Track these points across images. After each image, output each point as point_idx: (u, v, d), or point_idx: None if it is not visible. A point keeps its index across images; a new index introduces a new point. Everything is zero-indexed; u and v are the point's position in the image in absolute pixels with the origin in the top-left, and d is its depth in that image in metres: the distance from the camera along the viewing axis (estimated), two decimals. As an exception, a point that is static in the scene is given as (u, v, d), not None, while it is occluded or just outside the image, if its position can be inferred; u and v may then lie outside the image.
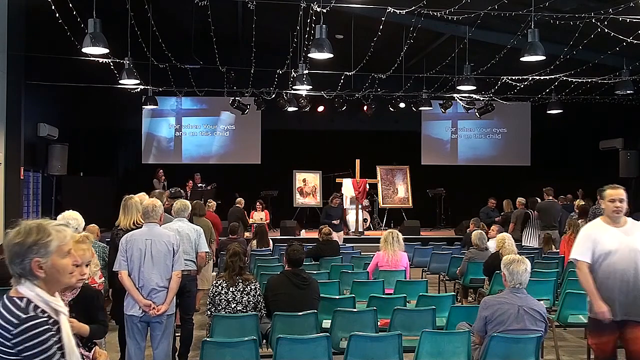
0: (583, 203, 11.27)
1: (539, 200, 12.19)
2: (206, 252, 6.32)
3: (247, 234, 11.91)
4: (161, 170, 15.15)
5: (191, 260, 5.97)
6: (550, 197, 11.43)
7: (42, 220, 2.17)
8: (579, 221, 10.28)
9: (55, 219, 2.18)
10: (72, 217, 4.75)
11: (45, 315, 2.08)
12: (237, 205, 12.65)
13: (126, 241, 4.82)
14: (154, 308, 4.71)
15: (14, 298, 2.07)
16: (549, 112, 14.64)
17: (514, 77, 12.39)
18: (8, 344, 2.00)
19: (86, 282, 4.64)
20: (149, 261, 4.74)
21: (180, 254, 4.92)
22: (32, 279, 2.10)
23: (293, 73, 11.97)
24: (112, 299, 5.30)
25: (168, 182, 14.72)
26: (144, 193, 6.18)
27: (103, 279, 4.84)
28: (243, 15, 12.26)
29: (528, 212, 11.75)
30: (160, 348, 4.82)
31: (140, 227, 5.39)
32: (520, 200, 12.38)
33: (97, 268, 4.79)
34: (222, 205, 13.10)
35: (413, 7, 8.66)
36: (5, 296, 2.09)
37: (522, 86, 12.70)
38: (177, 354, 5.68)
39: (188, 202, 6.42)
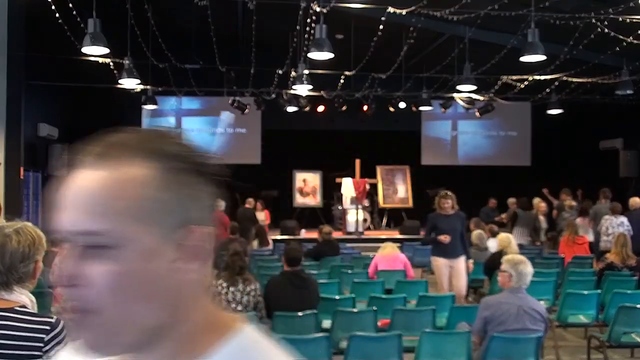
0: (573, 203, 11.32)
1: (539, 200, 12.23)
2: None
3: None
4: None
5: None
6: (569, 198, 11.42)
7: (25, 222, 2.16)
8: (578, 220, 10.33)
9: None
10: None
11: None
12: (247, 205, 12.58)
13: None
14: None
15: (15, 308, 2.04)
16: (549, 112, 14.64)
17: (514, 77, 12.40)
18: (37, 352, 2.01)
19: None
20: None
21: None
22: (28, 283, 2.10)
23: (293, 73, 11.97)
24: None
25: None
26: None
27: None
28: (243, 15, 12.25)
29: (517, 211, 11.89)
30: None
31: None
32: (511, 200, 12.53)
33: None
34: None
35: (413, 7, 8.65)
36: (5, 310, 2.01)
37: (522, 86, 12.70)
38: None
39: None
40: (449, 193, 7.61)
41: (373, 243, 11.94)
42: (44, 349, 2.01)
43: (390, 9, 8.56)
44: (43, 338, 2.01)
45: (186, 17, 12.74)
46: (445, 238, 7.21)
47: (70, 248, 0.72)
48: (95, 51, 8.16)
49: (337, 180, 15.16)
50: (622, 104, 13.64)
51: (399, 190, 16.76)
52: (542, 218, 11.29)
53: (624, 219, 9.39)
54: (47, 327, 2.03)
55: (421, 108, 15.22)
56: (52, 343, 2.03)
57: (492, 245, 8.56)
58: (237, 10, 11.97)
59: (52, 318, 2.08)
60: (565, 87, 12.76)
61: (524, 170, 17.79)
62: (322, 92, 14.31)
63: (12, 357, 1.98)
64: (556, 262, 8.53)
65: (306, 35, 9.94)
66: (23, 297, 2.07)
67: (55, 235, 0.75)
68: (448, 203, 7.43)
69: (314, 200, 16.59)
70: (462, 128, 18.22)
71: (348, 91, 14.40)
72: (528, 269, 4.30)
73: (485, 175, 17.46)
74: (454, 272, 7.28)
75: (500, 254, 7.04)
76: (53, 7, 8.07)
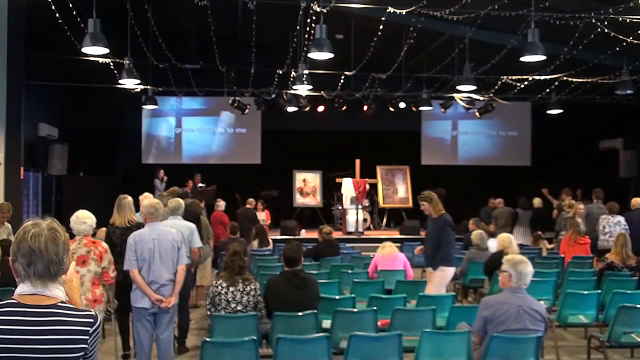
0: (574, 203, 11.28)
1: (537, 200, 12.21)
2: (200, 247, 6.65)
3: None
4: (162, 170, 15.13)
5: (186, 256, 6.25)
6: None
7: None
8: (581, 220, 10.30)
9: (51, 218, 2.17)
10: (87, 217, 5.05)
11: None
12: (248, 205, 12.52)
13: (134, 241, 5.05)
14: (163, 302, 5.02)
15: (58, 304, 2.06)
16: (549, 112, 14.64)
17: (514, 77, 12.40)
18: (84, 345, 2.05)
19: (99, 276, 4.99)
20: (157, 259, 5.03)
21: (183, 249, 5.26)
22: (60, 278, 2.13)
23: (293, 73, 11.97)
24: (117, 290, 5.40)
25: (169, 182, 14.71)
26: (148, 193, 6.47)
27: (116, 272, 5.15)
28: (243, 15, 12.26)
29: (516, 211, 11.89)
30: (165, 334, 5.17)
31: (134, 225, 5.82)
32: (498, 200, 12.61)
33: (111, 263, 5.09)
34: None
35: (413, 7, 8.66)
36: (50, 307, 2.04)
37: (522, 86, 12.70)
38: (175, 339, 5.93)
39: (182, 201, 6.81)
40: (425, 194, 6.57)
41: (373, 243, 11.93)
42: (89, 341, 2.05)
43: (390, 9, 8.57)
44: (88, 331, 2.05)
45: (186, 17, 12.75)
46: (416, 251, 7.33)
47: None
48: (95, 51, 8.15)
49: (337, 180, 15.15)
50: (622, 104, 13.65)
51: (399, 190, 16.75)
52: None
53: (620, 218, 9.40)
54: (91, 320, 2.07)
55: (421, 108, 15.22)
56: (94, 335, 2.08)
57: (492, 245, 8.56)
58: (237, 10, 11.98)
59: (91, 311, 2.12)
60: (565, 87, 12.77)
61: (524, 170, 17.79)
62: (322, 92, 14.32)
63: (64, 351, 2.01)
64: (556, 262, 8.52)
65: (306, 35, 9.94)
66: (59, 292, 2.10)
67: None
68: (423, 205, 6.53)
69: (314, 200, 16.59)
70: (462, 128, 18.21)
71: (348, 91, 14.41)
72: (528, 268, 4.30)
73: (485, 175, 17.45)
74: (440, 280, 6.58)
75: (500, 254, 7.04)
76: (53, 7, 8.08)
